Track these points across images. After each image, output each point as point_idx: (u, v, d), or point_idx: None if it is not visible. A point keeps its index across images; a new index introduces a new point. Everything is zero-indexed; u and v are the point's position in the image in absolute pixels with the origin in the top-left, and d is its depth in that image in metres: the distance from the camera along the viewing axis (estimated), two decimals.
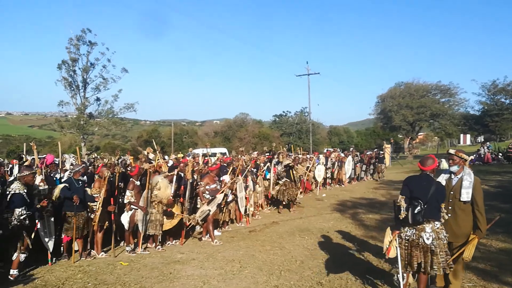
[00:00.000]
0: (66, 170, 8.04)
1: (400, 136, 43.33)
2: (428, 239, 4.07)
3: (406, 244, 4.23)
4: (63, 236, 6.66)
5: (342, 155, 17.77)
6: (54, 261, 6.47)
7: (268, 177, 11.59)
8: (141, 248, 7.17)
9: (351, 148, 21.78)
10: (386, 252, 4.34)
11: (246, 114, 51.05)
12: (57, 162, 8.27)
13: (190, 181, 8.10)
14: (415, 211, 4.03)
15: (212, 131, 50.23)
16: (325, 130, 54.45)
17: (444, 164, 23.05)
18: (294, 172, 11.26)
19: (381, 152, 19.79)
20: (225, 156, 13.85)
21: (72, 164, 8.39)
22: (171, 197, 7.30)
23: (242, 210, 9.49)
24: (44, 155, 9.80)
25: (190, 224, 7.87)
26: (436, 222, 4.14)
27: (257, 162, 11.60)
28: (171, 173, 7.89)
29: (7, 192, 5.65)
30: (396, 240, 4.28)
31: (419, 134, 46.15)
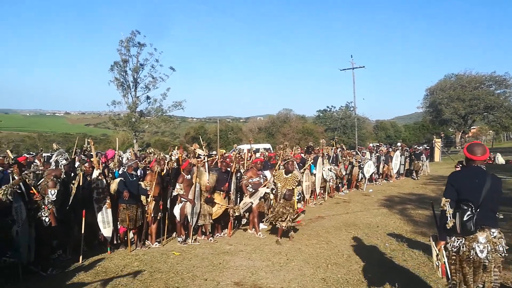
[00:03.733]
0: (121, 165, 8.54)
1: (451, 130, 41.31)
2: (482, 251, 3.27)
3: (454, 257, 3.42)
4: (119, 226, 7.11)
5: (389, 149, 17.28)
6: (112, 250, 6.93)
7: (314, 172, 11.58)
8: (192, 239, 7.48)
9: (398, 143, 21.07)
10: (440, 272, 3.54)
11: (289, 109, 50.89)
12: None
13: (236, 175, 8.32)
14: (465, 218, 3.25)
15: (256, 127, 50.56)
16: (371, 124, 52.98)
17: (500, 159, 21.76)
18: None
19: (418, 147, 18.84)
20: (268, 152, 13.97)
21: (127, 159, 8.90)
22: (208, 184, 7.54)
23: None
24: (101, 152, 10.48)
25: (234, 214, 8.11)
26: (493, 230, 3.31)
27: (303, 157, 11.63)
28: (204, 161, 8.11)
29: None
30: (443, 253, 3.49)
31: (472, 127, 43.73)
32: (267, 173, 9.01)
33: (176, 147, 10.24)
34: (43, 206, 5.63)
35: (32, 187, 5.55)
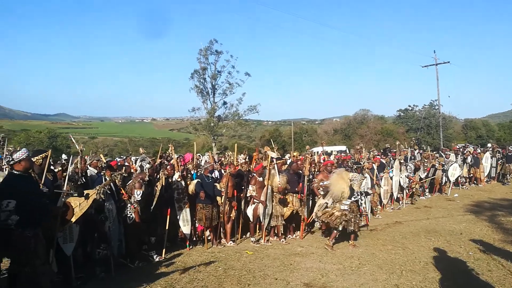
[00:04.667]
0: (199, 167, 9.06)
1: None
2: None
3: None
4: (197, 225, 7.57)
5: (478, 150, 15.85)
6: (191, 247, 7.40)
7: (391, 175, 11.12)
8: (264, 239, 7.68)
9: (489, 144, 19.16)
10: None
11: (367, 110, 49.12)
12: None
13: (308, 177, 8.34)
14: None
15: (332, 129, 49.64)
16: (459, 124, 48.87)
17: None
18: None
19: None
20: (343, 154, 13.71)
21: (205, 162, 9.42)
22: (280, 185, 7.64)
23: (368, 208, 9.37)
24: (181, 155, 11.21)
25: (311, 219, 8.13)
26: None
27: (382, 160, 11.23)
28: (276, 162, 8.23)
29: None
30: None
31: None
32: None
33: (243, 152, 10.60)
34: (129, 205, 6.24)
35: (121, 188, 6.19)
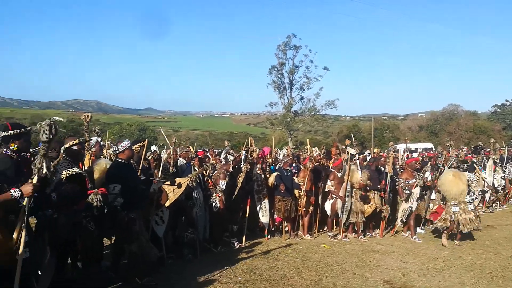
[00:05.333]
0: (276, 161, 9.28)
1: None
2: None
3: None
4: (275, 216, 7.80)
5: None
6: (269, 237, 7.67)
7: (484, 175, 10.28)
8: (342, 235, 7.66)
9: None
10: None
11: (456, 105, 45.57)
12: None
13: (391, 174, 8.10)
14: None
15: (416, 125, 46.91)
16: None
17: None
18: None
19: None
20: (428, 152, 12.97)
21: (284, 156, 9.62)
22: (361, 181, 7.51)
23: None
24: (259, 148, 11.54)
25: (396, 225, 7.94)
26: None
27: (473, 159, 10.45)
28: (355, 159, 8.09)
29: None
30: None
31: None
32: (427, 174, 8.47)
33: (321, 147, 10.58)
34: (214, 194, 6.67)
35: (207, 178, 6.64)
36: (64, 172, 3.84)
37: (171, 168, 6.34)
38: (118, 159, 4.86)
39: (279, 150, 11.54)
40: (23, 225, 2.96)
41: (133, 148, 5.18)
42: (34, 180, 2.98)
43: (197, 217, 6.28)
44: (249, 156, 7.65)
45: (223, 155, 7.80)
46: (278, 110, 35.96)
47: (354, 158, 7.91)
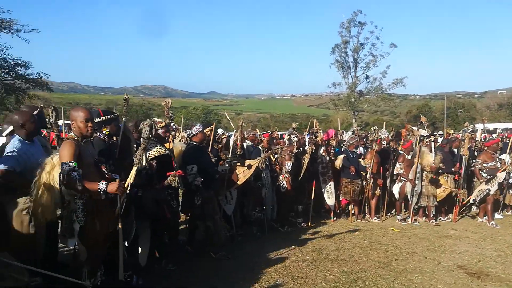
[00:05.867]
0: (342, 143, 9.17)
1: None
2: None
3: None
4: (341, 198, 7.79)
5: None
6: (335, 219, 7.70)
7: None
8: (412, 219, 7.46)
9: None
10: None
11: None
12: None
13: (466, 157, 7.66)
14: None
15: (495, 104, 43.10)
16: None
17: None
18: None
19: None
20: (509, 132, 11.98)
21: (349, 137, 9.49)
22: (433, 164, 7.20)
23: None
24: (324, 130, 11.47)
25: (467, 202, 7.55)
26: None
27: None
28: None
29: None
30: None
31: None
32: (505, 156, 7.91)
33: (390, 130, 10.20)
34: (280, 175, 6.83)
35: (274, 160, 6.81)
36: (152, 151, 4.18)
37: (238, 150, 6.59)
38: (192, 142, 5.18)
39: (344, 132, 11.37)
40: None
41: (204, 131, 5.47)
42: (132, 173, 3.29)
43: (265, 197, 6.50)
44: (313, 137, 7.68)
45: (286, 137, 7.90)
46: (342, 90, 35.09)
47: (426, 140, 7.59)
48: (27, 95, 27.22)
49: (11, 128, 3.77)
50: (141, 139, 3.44)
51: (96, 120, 3.63)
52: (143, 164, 3.48)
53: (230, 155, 6.07)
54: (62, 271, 3.38)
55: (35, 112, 3.95)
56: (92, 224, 3.14)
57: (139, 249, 4.33)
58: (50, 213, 3.31)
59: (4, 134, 4.14)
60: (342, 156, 7.51)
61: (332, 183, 7.59)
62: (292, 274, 4.57)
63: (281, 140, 9.14)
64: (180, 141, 6.54)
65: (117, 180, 3.13)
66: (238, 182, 5.67)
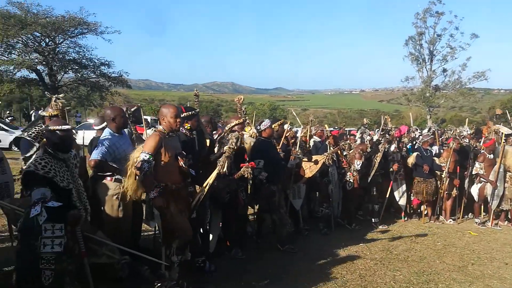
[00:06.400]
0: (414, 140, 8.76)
1: None
2: None
3: None
4: (412, 198, 7.48)
5: None
6: (406, 219, 7.42)
7: None
8: (492, 222, 6.96)
9: None
10: None
11: None
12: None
13: None
14: None
15: None
16: None
17: None
18: None
19: None
20: None
21: (421, 135, 9.06)
22: None
23: None
24: (396, 126, 11.04)
25: None
26: None
27: None
28: None
29: None
30: None
31: None
32: None
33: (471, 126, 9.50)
34: (348, 173, 6.75)
35: (342, 157, 6.74)
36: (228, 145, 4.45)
37: (306, 145, 6.63)
38: (261, 137, 5.35)
39: (418, 129, 10.84)
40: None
41: (272, 127, 5.61)
42: (213, 175, 3.65)
43: (332, 193, 6.49)
44: (386, 135, 7.46)
45: (358, 135, 7.76)
46: (416, 85, 33.20)
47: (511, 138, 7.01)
48: (109, 92, 29.70)
49: (103, 124, 4.25)
50: (226, 148, 3.75)
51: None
52: (224, 170, 3.73)
53: (297, 150, 6.14)
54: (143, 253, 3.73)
55: (132, 109, 4.48)
56: (167, 209, 3.43)
57: (210, 236, 4.61)
58: (136, 196, 3.66)
59: (96, 128, 4.68)
60: (415, 154, 7.22)
61: (403, 182, 7.33)
62: (360, 271, 4.55)
63: (351, 137, 9.01)
64: (250, 136, 6.77)
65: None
66: (305, 177, 5.73)
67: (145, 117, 6.33)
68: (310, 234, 6.14)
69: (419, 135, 9.08)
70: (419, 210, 7.53)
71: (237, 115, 5.29)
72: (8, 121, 18.67)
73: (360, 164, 6.61)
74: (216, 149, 4.62)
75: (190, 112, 4.00)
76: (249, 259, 4.80)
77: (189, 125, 3.97)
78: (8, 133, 15.03)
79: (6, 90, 24.52)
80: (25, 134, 4.01)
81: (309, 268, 4.61)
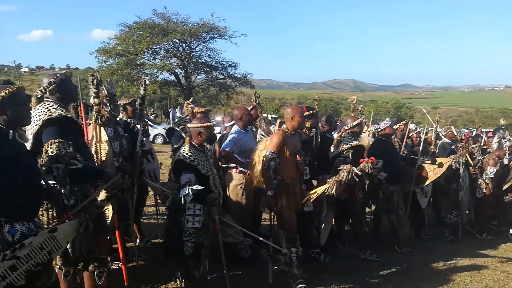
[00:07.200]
0: None
1: None
2: None
3: None
4: None
5: None
6: None
7: None
8: None
9: None
10: None
11: None
12: None
13: None
14: None
15: None
16: None
17: None
18: None
19: None
20: None
21: None
22: None
23: None
24: None
25: None
26: None
27: None
28: None
29: None
30: None
31: None
32: None
33: None
34: (480, 180, 6.15)
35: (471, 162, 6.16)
36: (348, 144, 4.70)
37: (432, 147, 6.27)
38: (380, 137, 5.30)
39: None
40: None
41: (394, 127, 5.50)
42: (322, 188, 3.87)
43: (462, 201, 6.03)
44: None
45: (495, 139, 6.91)
46: None
47: None
48: (235, 92, 32.05)
49: (232, 122, 4.84)
50: (335, 178, 3.87)
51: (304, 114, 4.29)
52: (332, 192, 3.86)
53: (421, 152, 5.88)
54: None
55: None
56: (279, 201, 3.78)
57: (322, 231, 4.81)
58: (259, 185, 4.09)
59: (227, 125, 5.30)
60: None
61: None
62: (487, 281, 4.22)
63: (489, 140, 8.09)
64: (368, 135, 6.70)
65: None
66: (427, 181, 5.48)
67: (265, 115, 6.84)
68: (435, 241, 5.83)
69: None
70: None
71: (353, 115, 5.35)
72: (152, 117, 21.80)
73: (494, 172, 5.97)
74: (332, 148, 4.78)
75: (310, 112, 4.29)
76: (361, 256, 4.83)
77: (309, 123, 4.26)
78: (152, 128, 17.33)
79: (150, 91, 28.46)
80: (176, 127, 4.89)
81: (428, 271, 4.46)
